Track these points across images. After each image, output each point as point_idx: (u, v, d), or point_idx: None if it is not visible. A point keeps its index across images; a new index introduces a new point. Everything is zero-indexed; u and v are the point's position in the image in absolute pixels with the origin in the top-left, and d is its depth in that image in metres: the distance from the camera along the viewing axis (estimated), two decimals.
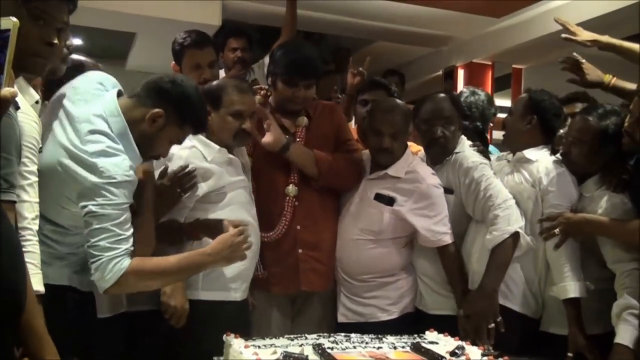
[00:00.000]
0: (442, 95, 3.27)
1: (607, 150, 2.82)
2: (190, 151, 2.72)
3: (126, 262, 2.14)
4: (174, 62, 3.49)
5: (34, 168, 2.03)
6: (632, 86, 2.85)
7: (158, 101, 2.33)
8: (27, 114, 1.97)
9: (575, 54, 3.03)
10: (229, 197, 2.76)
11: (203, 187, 2.70)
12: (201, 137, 2.74)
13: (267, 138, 2.93)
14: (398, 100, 3.23)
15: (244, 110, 2.78)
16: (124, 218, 2.17)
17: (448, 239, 3.00)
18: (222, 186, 2.73)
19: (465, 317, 2.87)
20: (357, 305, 3.07)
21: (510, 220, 2.88)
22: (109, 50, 7.37)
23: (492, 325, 2.82)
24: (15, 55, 1.36)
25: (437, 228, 3.00)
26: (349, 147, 3.16)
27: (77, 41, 5.84)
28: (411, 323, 2.98)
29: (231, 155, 2.81)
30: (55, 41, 1.83)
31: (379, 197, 3.03)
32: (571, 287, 2.77)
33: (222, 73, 3.89)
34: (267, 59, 4.09)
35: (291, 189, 3.01)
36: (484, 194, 2.95)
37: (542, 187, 2.92)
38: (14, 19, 1.34)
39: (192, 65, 3.41)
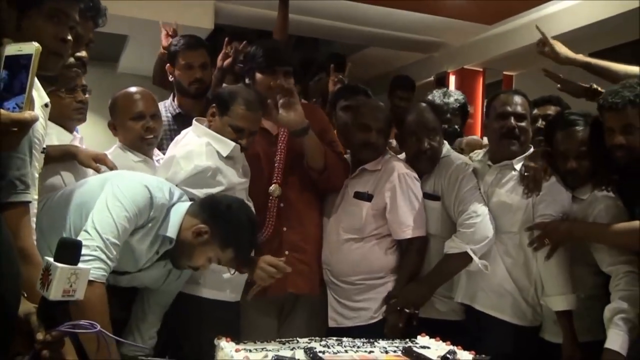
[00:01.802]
0: (424, 105, 3.28)
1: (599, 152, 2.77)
2: (208, 148, 2.72)
3: None
4: (168, 64, 3.54)
5: (37, 166, 2.04)
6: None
7: (209, 218, 2.42)
8: (37, 113, 1.98)
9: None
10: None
11: (218, 185, 2.71)
12: (213, 133, 2.77)
13: (290, 116, 2.92)
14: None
15: (245, 128, 2.78)
16: None
17: (409, 233, 3.02)
18: (232, 190, 2.73)
19: (392, 297, 2.99)
20: (346, 309, 3.07)
21: (471, 237, 2.92)
22: (101, 52, 7.31)
23: (409, 310, 2.95)
24: None
25: (403, 219, 3.02)
26: (334, 147, 3.19)
27: None
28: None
29: (240, 154, 2.83)
30: (69, 37, 1.86)
31: (358, 195, 3.08)
32: (563, 300, 2.76)
33: None
34: None
35: (274, 189, 3.01)
36: (459, 199, 2.99)
37: (534, 197, 2.89)
38: (36, 44, 1.39)
39: (184, 66, 3.47)
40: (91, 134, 3.60)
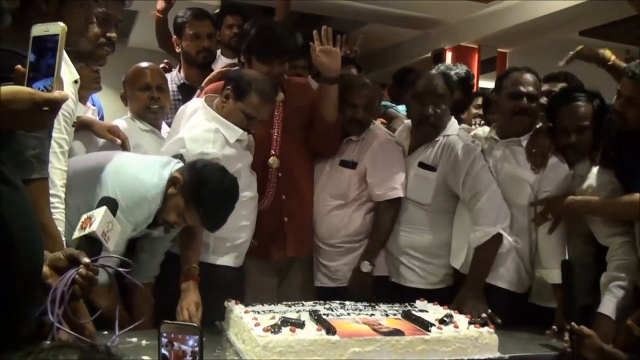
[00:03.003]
0: (435, 72, 3.33)
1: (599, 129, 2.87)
2: (215, 135, 2.79)
3: None
4: (175, 36, 3.66)
5: (67, 137, 2.16)
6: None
7: (185, 171, 2.49)
8: (68, 89, 2.08)
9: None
10: (242, 176, 2.85)
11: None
12: (221, 118, 2.84)
13: (328, 61, 3.04)
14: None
15: (257, 117, 2.87)
16: None
17: (388, 195, 3.11)
18: (238, 171, 2.81)
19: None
20: (328, 270, 3.22)
21: (494, 219, 2.94)
22: None
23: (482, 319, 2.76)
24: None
25: (382, 182, 3.13)
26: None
27: None
28: (385, 290, 3.10)
29: (246, 140, 2.92)
30: (94, 20, 1.96)
31: (344, 163, 3.22)
32: (559, 273, 2.79)
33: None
34: None
35: (273, 161, 3.12)
36: (471, 184, 3.01)
37: (541, 171, 2.94)
38: (62, 23, 1.39)
39: (191, 35, 3.61)
40: (104, 106, 3.75)
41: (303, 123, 3.20)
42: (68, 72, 2.12)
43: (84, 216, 1.72)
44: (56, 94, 1.35)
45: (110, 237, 1.71)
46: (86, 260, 1.62)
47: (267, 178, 3.10)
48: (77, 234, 1.73)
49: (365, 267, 3.07)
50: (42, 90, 1.35)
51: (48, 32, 1.39)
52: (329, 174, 3.24)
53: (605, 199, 2.76)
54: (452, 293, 3.02)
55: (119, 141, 2.84)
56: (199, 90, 3.36)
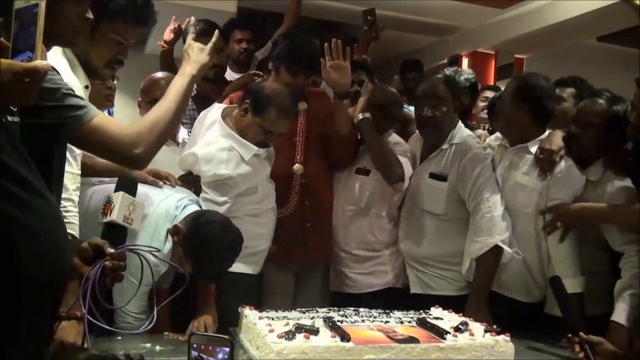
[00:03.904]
0: (437, 76, 3.35)
1: (615, 135, 2.80)
2: (229, 154, 2.80)
3: None
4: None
5: None
6: None
7: (186, 224, 2.45)
8: (78, 93, 2.09)
9: None
10: (260, 190, 2.91)
11: (240, 188, 2.83)
12: (236, 136, 2.83)
13: (338, 77, 3.09)
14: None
15: (274, 132, 2.87)
16: None
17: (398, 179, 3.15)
18: (255, 184, 2.86)
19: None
20: (344, 277, 3.27)
21: (494, 231, 2.93)
22: None
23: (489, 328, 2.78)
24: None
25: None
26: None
27: None
28: (398, 298, 3.12)
29: (264, 153, 2.92)
30: (90, 15, 1.89)
31: (359, 170, 3.28)
32: (573, 282, 2.82)
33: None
34: (265, 50, 4.22)
35: (298, 168, 3.17)
36: (475, 193, 3.02)
37: (549, 179, 2.93)
38: None
39: None
40: (120, 113, 3.77)
41: (324, 132, 3.24)
42: (80, 75, 2.13)
43: (105, 200, 1.71)
44: (37, 62, 1.33)
45: (133, 218, 1.70)
46: (110, 250, 1.63)
47: (290, 185, 3.15)
48: (100, 220, 1.73)
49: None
50: (24, 62, 1.33)
51: (29, 3, 1.36)
52: (345, 181, 3.30)
53: (617, 206, 2.73)
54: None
55: (161, 183, 2.76)
56: (219, 99, 3.38)
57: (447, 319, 2.50)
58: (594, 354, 2.31)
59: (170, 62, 4.00)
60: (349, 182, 3.29)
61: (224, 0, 5.64)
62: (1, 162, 1.39)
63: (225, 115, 2.94)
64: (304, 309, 2.56)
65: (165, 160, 2.96)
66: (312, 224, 3.20)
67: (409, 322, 2.43)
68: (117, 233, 1.73)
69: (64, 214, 1.99)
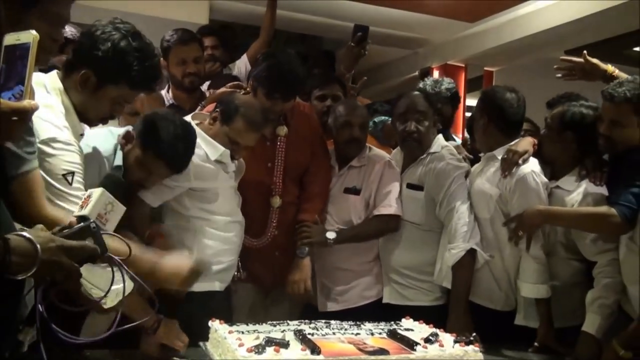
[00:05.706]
0: (416, 92, 3.40)
1: (589, 143, 2.83)
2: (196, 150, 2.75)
3: None
4: (162, 58, 3.62)
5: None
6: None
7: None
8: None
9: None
10: (222, 198, 2.86)
11: (192, 182, 2.76)
12: (205, 135, 2.81)
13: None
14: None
15: (240, 143, 2.84)
16: None
17: (391, 210, 3.16)
18: (214, 190, 2.82)
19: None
20: (335, 294, 3.26)
21: (467, 236, 2.99)
22: None
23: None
24: None
25: (389, 197, 3.17)
26: (324, 149, 3.35)
27: None
28: (381, 310, 3.15)
29: (231, 162, 2.88)
30: (60, 37, 1.88)
31: (348, 190, 3.27)
32: (537, 288, 2.86)
33: None
34: (240, 62, 4.24)
35: (275, 201, 3.15)
36: (447, 201, 3.07)
37: (508, 187, 2.96)
38: (34, 32, 1.36)
39: (177, 60, 3.58)
40: None
41: (303, 158, 3.22)
42: (77, 123, 2.15)
43: (85, 194, 1.66)
44: (25, 102, 1.33)
45: (108, 219, 1.62)
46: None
47: (267, 217, 3.13)
48: (75, 213, 1.66)
49: (330, 234, 3.15)
50: (12, 100, 1.32)
51: (19, 41, 1.37)
52: (334, 201, 3.29)
53: (577, 209, 2.77)
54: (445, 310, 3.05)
55: None
56: (199, 107, 3.35)
57: (417, 330, 2.50)
58: None
59: None
60: (338, 201, 3.28)
61: (195, 12, 5.64)
62: None
63: (196, 121, 2.91)
64: (274, 322, 2.54)
65: None
66: (280, 253, 3.18)
67: (380, 333, 2.43)
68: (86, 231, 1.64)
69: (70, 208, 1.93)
